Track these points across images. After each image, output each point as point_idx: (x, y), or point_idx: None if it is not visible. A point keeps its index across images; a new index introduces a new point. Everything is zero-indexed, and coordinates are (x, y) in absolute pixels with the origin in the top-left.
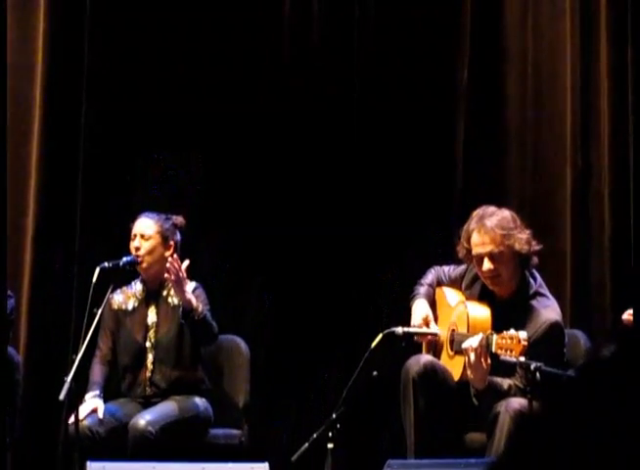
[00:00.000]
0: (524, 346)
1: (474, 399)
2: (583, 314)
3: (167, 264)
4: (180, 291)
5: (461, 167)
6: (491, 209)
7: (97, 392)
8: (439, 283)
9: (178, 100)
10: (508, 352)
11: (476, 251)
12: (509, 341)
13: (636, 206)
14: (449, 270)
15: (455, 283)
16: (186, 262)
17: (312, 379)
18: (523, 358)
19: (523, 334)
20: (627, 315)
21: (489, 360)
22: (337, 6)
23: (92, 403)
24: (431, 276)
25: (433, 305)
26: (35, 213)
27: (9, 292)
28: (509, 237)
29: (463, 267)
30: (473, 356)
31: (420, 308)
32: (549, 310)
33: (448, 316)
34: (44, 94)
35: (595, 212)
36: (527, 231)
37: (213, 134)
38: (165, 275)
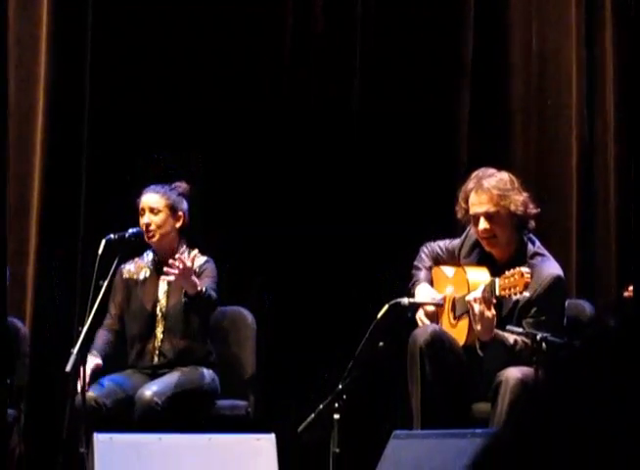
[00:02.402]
0: (527, 280)
1: (479, 352)
2: (588, 285)
3: (170, 262)
4: (188, 285)
5: (465, 143)
6: (490, 170)
7: (94, 352)
8: (436, 260)
9: (178, 99)
10: (512, 290)
11: (473, 210)
12: (512, 279)
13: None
14: (445, 244)
15: (452, 255)
16: (194, 252)
17: (319, 350)
18: (523, 325)
19: (524, 268)
20: (628, 293)
21: (494, 311)
22: None
23: (90, 363)
24: (426, 257)
25: (432, 286)
26: (40, 190)
27: None
28: (505, 198)
29: (459, 239)
30: (477, 308)
31: (424, 291)
32: (550, 267)
33: (448, 288)
34: (46, 95)
35: (600, 184)
36: (525, 194)
37: (213, 134)
38: (168, 270)
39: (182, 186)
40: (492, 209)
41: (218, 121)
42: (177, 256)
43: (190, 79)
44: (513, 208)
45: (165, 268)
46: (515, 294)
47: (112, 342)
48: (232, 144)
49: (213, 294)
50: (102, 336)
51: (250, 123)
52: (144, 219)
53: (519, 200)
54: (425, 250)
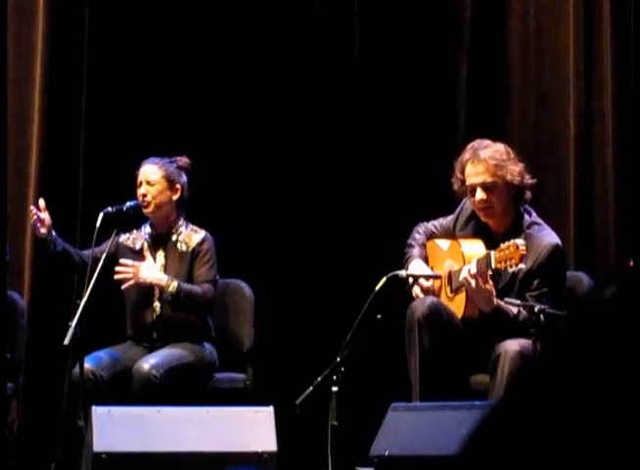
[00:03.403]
0: (522, 252)
1: (481, 323)
2: (586, 258)
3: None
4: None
5: (464, 114)
6: (486, 141)
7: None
8: (431, 238)
9: (175, 64)
10: (508, 262)
11: (469, 181)
12: (507, 251)
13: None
14: (439, 222)
15: (448, 230)
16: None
17: (317, 322)
18: (523, 297)
19: (519, 240)
20: (629, 265)
21: (491, 282)
22: None
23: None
24: (419, 235)
25: (426, 262)
26: (38, 160)
27: None
28: (501, 168)
29: (453, 215)
30: (473, 283)
31: (417, 267)
32: (548, 236)
33: (443, 261)
34: (43, 67)
35: (598, 155)
36: (521, 164)
37: (205, 140)
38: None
39: (182, 160)
40: (489, 179)
41: (215, 126)
42: (121, 260)
43: (187, 81)
44: (509, 178)
45: (116, 276)
46: (511, 266)
47: (74, 252)
48: (226, 150)
49: (196, 290)
50: (74, 248)
51: (249, 123)
52: (141, 190)
53: (515, 170)
54: (418, 229)
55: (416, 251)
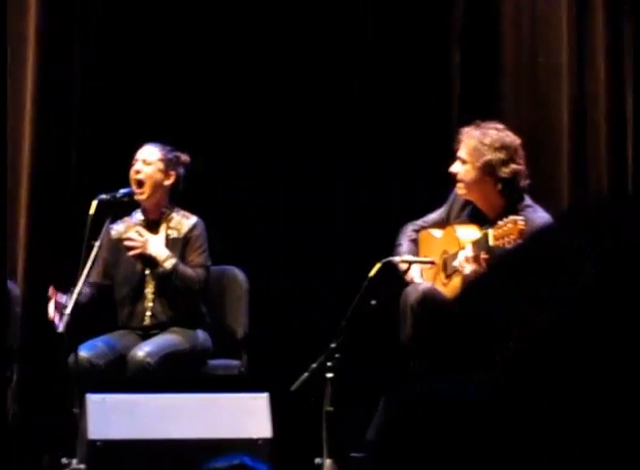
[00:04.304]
0: (520, 227)
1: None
2: None
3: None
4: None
5: (457, 100)
6: (492, 124)
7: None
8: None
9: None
10: (507, 239)
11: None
12: (505, 228)
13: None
14: (427, 218)
15: (440, 222)
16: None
17: (311, 308)
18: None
19: (518, 217)
20: None
21: (485, 265)
22: None
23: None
24: (408, 231)
25: (418, 254)
26: (31, 153)
27: None
28: (477, 151)
29: (445, 205)
30: (468, 268)
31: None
32: (543, 217)
33: (437, 249)
34: (36, 53)
35: (592, 139)
36: (503, 156)
37: (204, 138)
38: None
39: (183, 156)
40: (462, 155)
41: (215, 123)
42: (129, 234)
43: (184, 76)
44: (479, 164)
45: (126, 242)
46: (509, 242)
47: (90, 293)
48: (227, 145)
49: (190, 273)
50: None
51: (248, 122)
52: (135, 166)
53: (491, 159)
54: (408, 226)
55: (404, 248)
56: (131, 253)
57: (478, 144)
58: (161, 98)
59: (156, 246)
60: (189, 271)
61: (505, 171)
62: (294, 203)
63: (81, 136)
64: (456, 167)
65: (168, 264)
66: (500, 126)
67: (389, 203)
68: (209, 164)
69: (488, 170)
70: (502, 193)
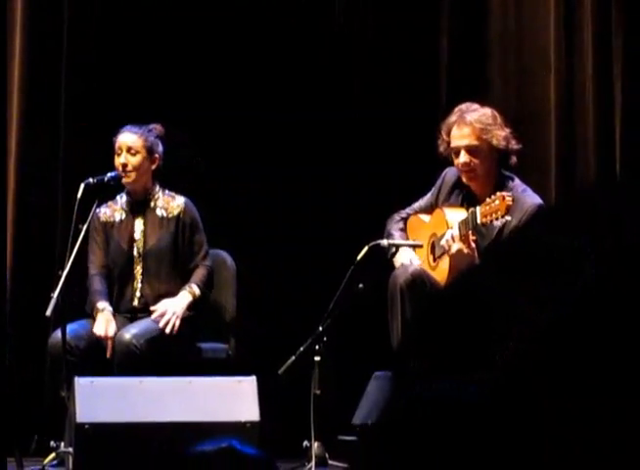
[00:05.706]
0: (508, 203)
1: None
2: None
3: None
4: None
5: (444, 82)
6: (474, 105)
7: (107, 303)
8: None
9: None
10: (494, 215)
11: (454, 143)
12: (492, 205)
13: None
14: (417, 202)
15: (428, 208)
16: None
17: (299, 292)
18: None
19: (505, 193)
20: None
21: (473, 245)
22: None
23: (107, 317)
24: (394, 222)
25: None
26: (18, 136)
27: None
28: (487, 132)
29: (433, 189)
30: (454, 247)
31: (402, 254)
32: (532, 197)
33: (426, 233)
34: (22, 31)
35: (579, 122)
36: (507, 129)
37: (204, 140)
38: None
39: (158, 128)
40: (473, 142)
41: (215, 123)
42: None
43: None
44: (495, 142)
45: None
46: (497, 218)
47: (104, 278)
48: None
49: (204, 274)
50: (99, 282)
51: (247, 123)
52: (121, 159)
53: (501, 135)
54: (394, 217)
55: (395, 234)
56: (171, 329)
57: (482, 125)
58: (161, 100)
59: (176, 304)
60: (203, 275)
61: (514, 146)
62: (289, 198)
63: (71, 136)
64: (466, 157)
65: (197, 295)
66: (474, 105)
67: (389, 203)
68: (210, 172)
69: (503, 146)
70: (498, 171)
